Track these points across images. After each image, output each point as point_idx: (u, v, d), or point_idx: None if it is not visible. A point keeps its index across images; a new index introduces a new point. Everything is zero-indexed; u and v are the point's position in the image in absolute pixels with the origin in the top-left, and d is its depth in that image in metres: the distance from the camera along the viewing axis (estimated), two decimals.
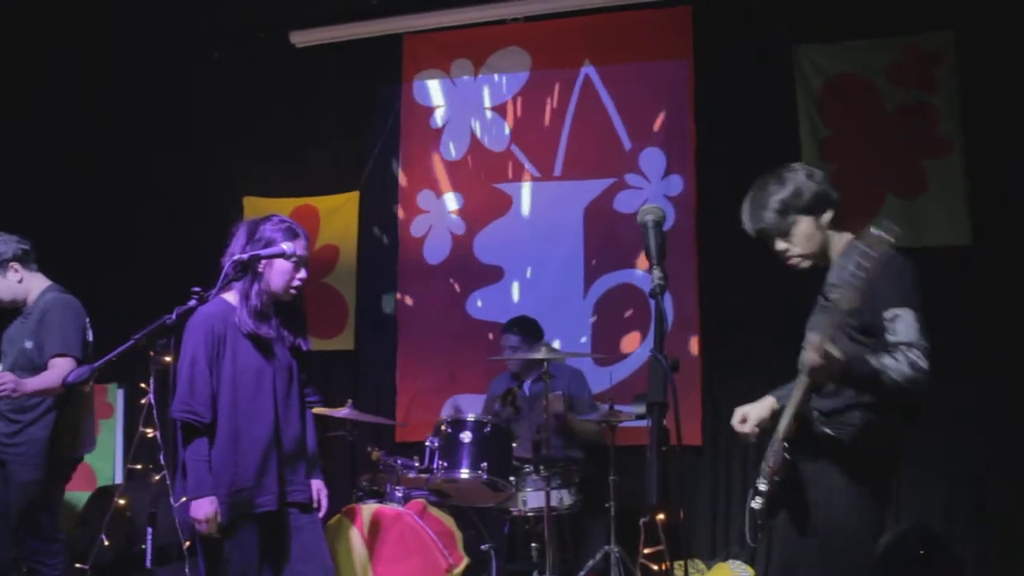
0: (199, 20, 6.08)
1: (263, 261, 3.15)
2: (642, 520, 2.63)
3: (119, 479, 6.05)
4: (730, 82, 5.49)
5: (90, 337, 4.16)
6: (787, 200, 2.77)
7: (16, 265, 4.09)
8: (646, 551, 2.27)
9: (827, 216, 2.83)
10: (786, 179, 2.80)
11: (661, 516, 1.96)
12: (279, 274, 3.19)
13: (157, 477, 2.78)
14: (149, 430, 2.75)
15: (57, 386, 3.83)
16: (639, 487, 5.06)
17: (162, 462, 2.76)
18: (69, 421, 4.07)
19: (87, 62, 6.24)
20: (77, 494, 5.39)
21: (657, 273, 2.20)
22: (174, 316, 2.86)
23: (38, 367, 3.96)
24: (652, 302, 2.21)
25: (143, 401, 2.76)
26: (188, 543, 2.85)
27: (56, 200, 6.03)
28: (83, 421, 4.18)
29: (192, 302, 2.93)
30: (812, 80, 5.34)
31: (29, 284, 4.14)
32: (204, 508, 2.99)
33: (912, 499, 4.87)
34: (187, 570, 2.83)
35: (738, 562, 4.91)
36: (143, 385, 2.76)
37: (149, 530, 2.80)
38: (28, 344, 4.00)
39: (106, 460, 6.04)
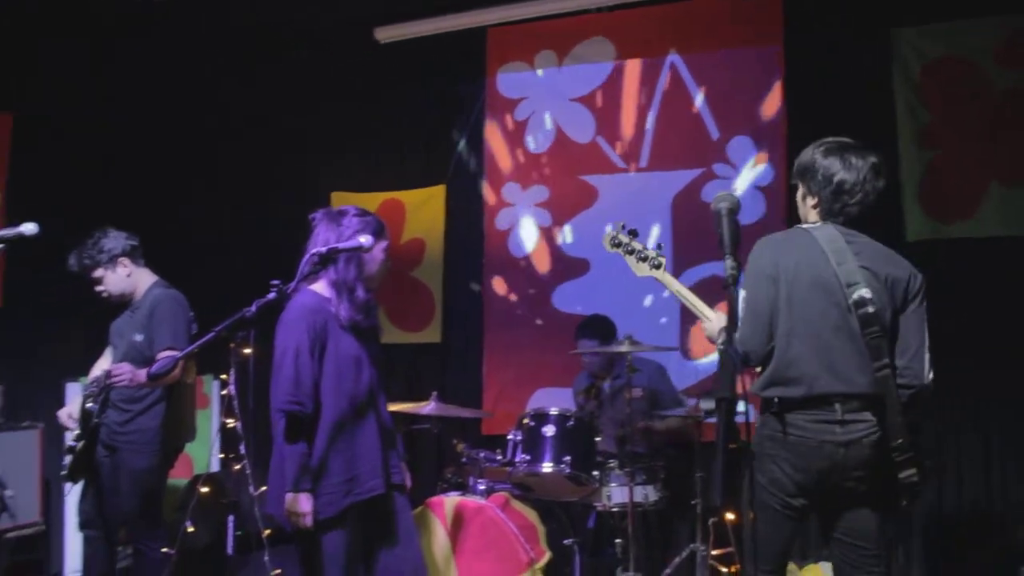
0: (288, 18, 6.19)
1: (364, 255, 3.20)
2: (711, 520, 2.54)
3: (215, 468, 6.24)
4: (823, 67, 5.30)
5: (195, 330, 4.30)
6: None
7: (125, 260, 4.26)
8: (715, 552, 2.19)
9: None
10: None
11: (731, 516, 1.89)
12: (376, 264, 3.26)
13: (237, 467, 2.81)
14: (230, 420, 2.79)
15: (172, 378, 3.99)
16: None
17: (242, 452, 2.80)
18: (175, 412, 4.22)
19: (178, 60, 6.40)
20: (177, 481, 5.58)
21: (730, 262, 2.14)
22: (254, 309, 2.89)
23: (148, 359, 4.10)
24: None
25: (223, 392, 2.80)
26: (267, 532, 2.89)
27: (152, 197, 6.23)
28: (186, 411, 4.33)
29: (271, 295, 2.96)
30: (911, 64, 5.11)
31: (137, 279, 4.30)
32: (302, 503, 3.03)
33: None
34: (265, 558, 2.87)
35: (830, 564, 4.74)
36: (223, 376, 2.80)
37: (230, 518, 2.84)
38: (138, 337, 4.15)
39: (203, 449, 6.22)
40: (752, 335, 2.79)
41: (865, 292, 2.75)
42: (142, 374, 3.96)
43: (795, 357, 2.80)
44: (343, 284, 3.20)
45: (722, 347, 1.97)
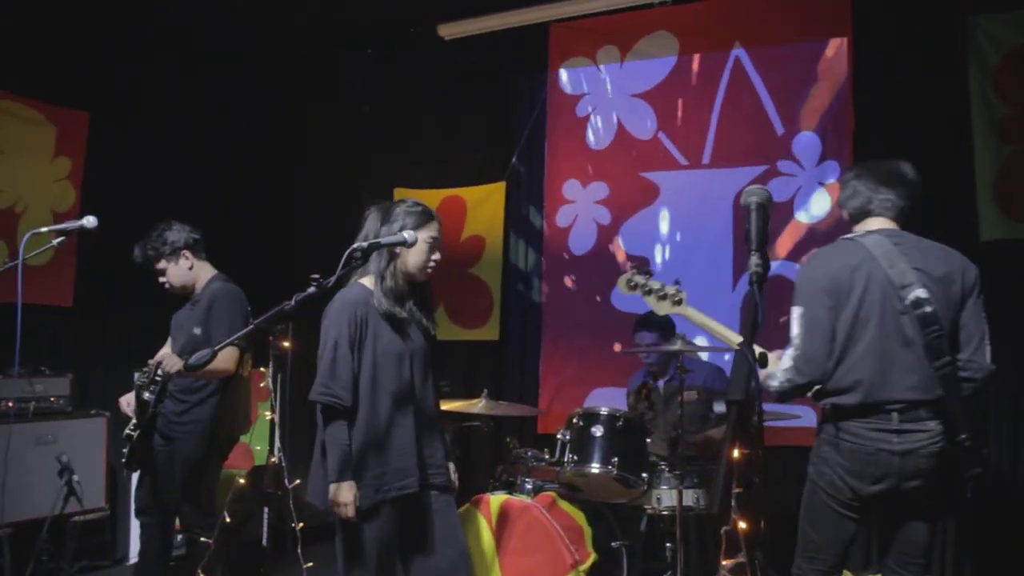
0: (353, 15, 6.24)
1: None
2: (723, 529, 2.47)
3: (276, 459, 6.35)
4: (892, 60, 5.11)
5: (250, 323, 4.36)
6: None
7: (187, 253, 4.35)
8: (725, 563, 2.11)
9: None
10: None
11: (743, 525, 1.81)
12: (416, 254, 3.22)
13: (274, 458, 2.83)
14: (268, 413, 2.80)
15: (226, 370, 4.07)
16: (781, 489, 4.86)
17: (279, 444, 2.81)
18: (229, 403, 4.29)
19: (247, 59, 6.50)
20: (235, 472, 5.68)
21: (755, 260, 2.06)
22: (293, 303, 2.90)
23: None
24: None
25: (262, 385, 2.81)
26: (301, 525, 2.90)
27: (215, 193, 6.35)
28: (241, 404, 4.40)
29: (311, 289, 2.96)
30: (988, 54, 4.87)
31: (198, 272, 4.39)
32: (344, 493, 3.03)
33: None
34: (299, 551, 2.88)
35: None
36: (262, 369, 2.81)
37: (265, 510, 2.86)
38: (196, 331, 4.24)
39: (263, 441, 6.33)
40: (817, 351, 2.81)
41: (921, 292, 2.78)
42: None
43: (852, 365, 2.82)
44: (377, 274, 3.20)
45: (737, 348, 1.89)
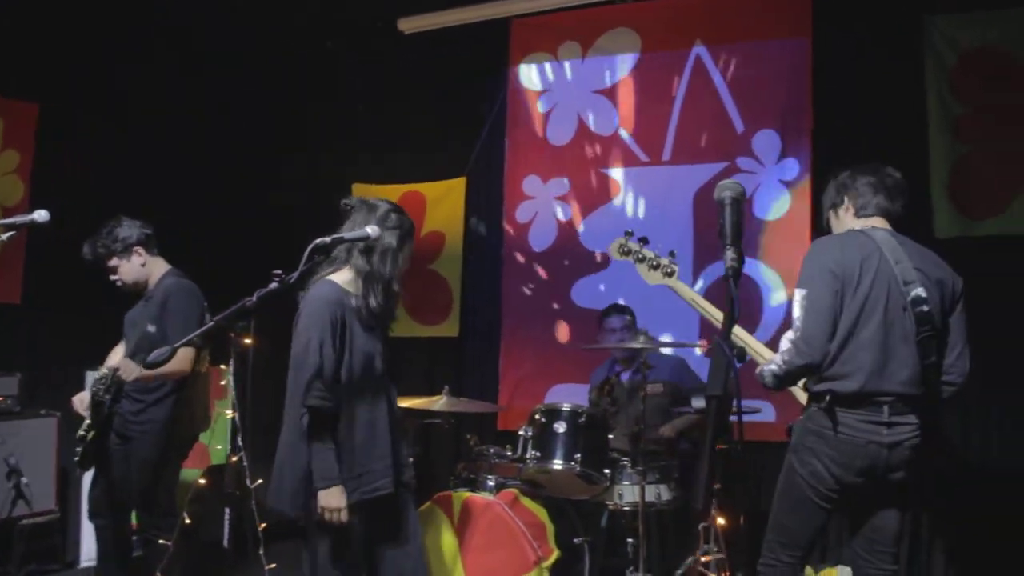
0: (311, 10, 6.15)
1: (405, 248, 3.18)
2: (701, 525, 2.47)
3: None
4: (851, 59, 5.16)
5: (208, 320, 4.27)
6: None
7: (139, 249, 4.24)
8: (703, 559, 2.10)
9: None
10: None
11: (721, 521, 1.81)
12: (407, 260, 3.23)
13: (235, 458, 2.77)
14: (229, 412, 2.74)
15: (180, 372, 4.00)
16: (747, 485, 4.89)
17: (239, 444, 2.75)
18: (187, 402, 4.20)
19: (203, 52, 6.39)
20: (193, 471, 5.57)
21: (731, 254, 2.06)
22: (255, 299, 2.84)
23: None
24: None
25: (222, 383, 2.75)
26: (264, 525, 2.84)
27: (174, 189, 6.23)
28: (199, 402, 4.32)
29: (273, 285, 2.91)
30: (945, 54, 4.94)
31: (151, 268, 4.29)
32: (336, 497, 2.98)
33: None
34: (261, 552, 2.82)
35: (847, 568, 4.63)
36: (223, 366, 2.75)
37: (227, 511, 2.80)
38: (151, 328, 4.14)
39: (221, 440, 6.22)
40: (818, 332, 2.84)
41: (921, 291, 2.85)
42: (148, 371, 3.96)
43: (852, 353, 2.86)
44: (379, 278, 3.14)
45: (715, 342, 1.89)
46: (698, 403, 2.56)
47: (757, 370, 3.00)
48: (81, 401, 4.28)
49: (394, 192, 6.06)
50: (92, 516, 4.24)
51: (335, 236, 3.07)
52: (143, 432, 4.08)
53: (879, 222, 3.08)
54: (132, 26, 6.02)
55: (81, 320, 5.86)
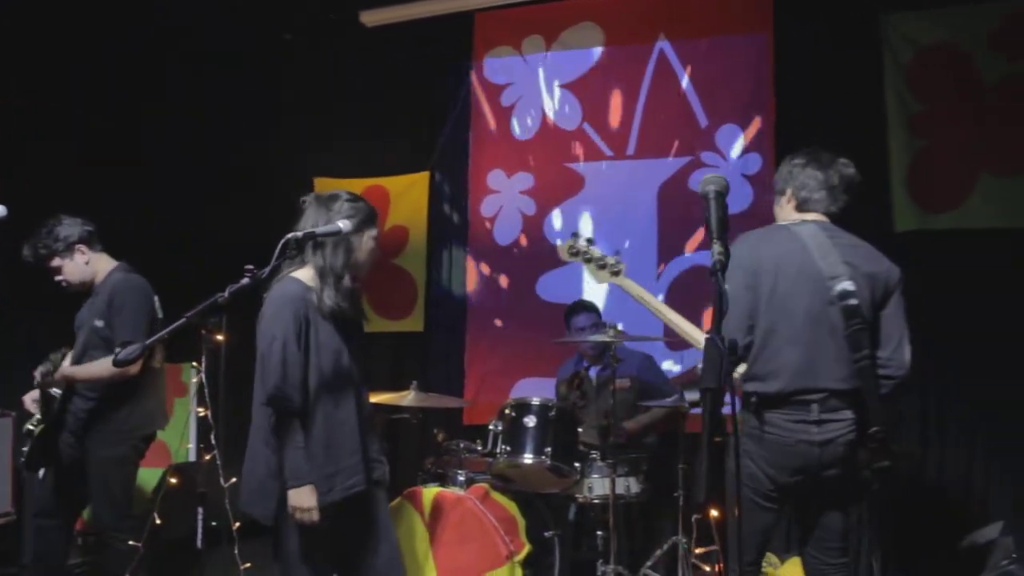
0: (271, 2, 6.07)
1: (353, 239, 3.10)
2: (695, 517, 2.49)
3: (192, 457, 6.15)
4: (811, 56, 5.23)
5: (159, 315, 4.20)
6: None
7: (82, 247, 4.14)
8: (698, 551, 2.13)
9: None
10: None
11: (715, 513, 1.82)
12: (366, 253, 3.16)
13: (208, 456, 2.73)
14: (200, 409, 2.70)
15: (123, 372, 3.88)
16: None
17: (213, 442, 2.71)
18: (144, 398, 4.13)
19: (155, 43, 6.27)
20: (152, 470, 5.48)
21: (718, 248, 2.07)
22: (227, 295, 2.79)
23: (110, 345, 4.02)
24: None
25: (194, 380, 2.71)
26: (238, 524, 2.81)
27: (125, 182, 6.12)
28: (156, 398, 4.24)
29: (245, 280, 2.86)
30: (901, 51, 5.03)
31: (96, 265, 4.19)
32: (306, 497, 2.94)
33: None
34: (236, 552, 2.78)
35: None
36: (195, 364, 2.70)
37: (199, 510, 2.76)
38: (98, 323, 4.04)
39: (180, 438, 6.12)
40: (731, 324, 2.76)
41: (848, 285, 2.81)
42: (78, 371, 3.93)
43: (774, 352, 2.84)
44: (330, 271, 3.08)
45: (707, 336, 1.90)
46: (691, 395, 2.56)
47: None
48: (34, 399, 4.20)
49: (357, 186, 6.00)
50: (39, 515, 4.13)
51: (307, 231, 3.03)
52: (99, 431, 4.01)
53: (815, 217, 3.04)
54: (89, 18, 5.89)
55: (33, 318, 5.72)
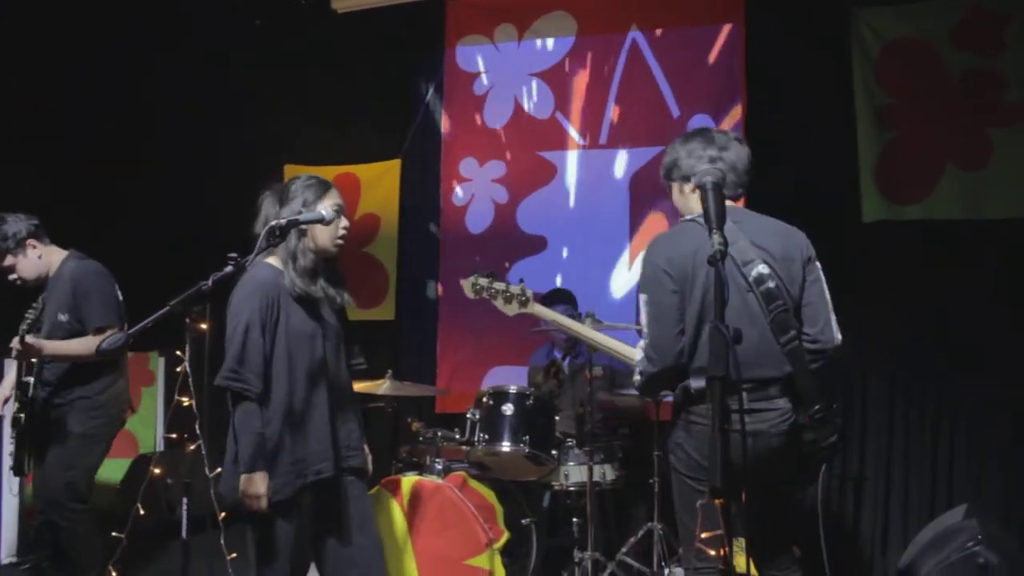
0: None
1: (305, 207, 3.10)
2: (699, 503, 2.49)
3: (160, 447, 6.08)
4: (782, 47, 5.28)
5: (120, 298, 4.15)
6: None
7: (33, 241, 4.10)
8: (703, 535, 2.15)
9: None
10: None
11: (719, 499, 1.83)
12: (324, 228, 3.11)
13: (193, 446, 2.71)
14: (185, 399, 2.68)
15: (90, 354, 3.84)
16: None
17: (198, 431, 2.69)
18: (116, 378, 4.12)
19: (125, 29, 6.17)
20: (118, 461, 5.41)
21: (717, 238, 2.08)
22: (210, 282, 2.77)
23: (77, 336, 3.97)
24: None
25: (178, 369, 2.68)
26: (224, 514, 2.79)
27: (92, 167, 6.02)
28: (123, 380, 4.22)
29: (228, 268, 2.84)
30: (870, 44, 5.09)
31: (49, 258, 4.15)
32: (257, 484, 2.92)
33: None
34: (222, 541, 2.77)
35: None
36: (179, 352, 2.68)
37: (184, 500, 2.74)
38: (62, 317, 3.99)
39: (147, 428, 6.06)
40: (665, 336, 2.71)
41: (763, 268, 2.70)
42: (47, 345, 3.88)
43: (701, 348, 2.70)
44: (288, 253, 3.09)
45: (711, 325, 1.92)
46: (698, 383, 2.54)
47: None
48: (5, 399, 4.12)
49: (328, 173, 5.79)
50: (40, 514, 4.06)
51: (290, 218, 3.02)
52: (70, 403, 3.99)
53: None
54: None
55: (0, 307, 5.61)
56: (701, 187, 2.18)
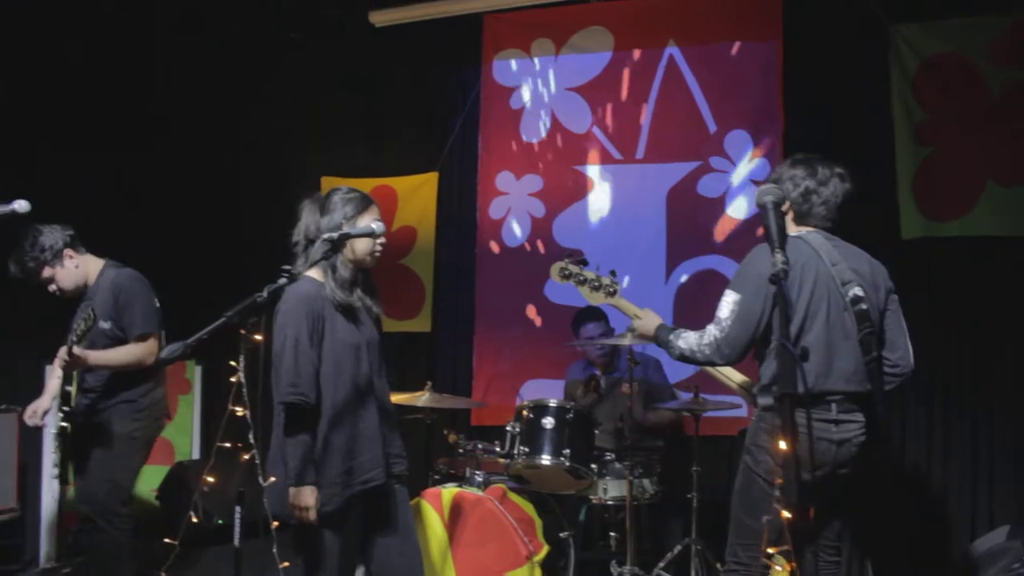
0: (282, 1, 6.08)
1: (344, 223, 3.13)
2: (765, 519, 2.53)
3: (196, 455, 6.14)
4: (820, 63, 5.28)
5: (159, 306, 4.22)
6: None
7: (70, 252, 4.11)
8: (770, 551, 2.18)
9: None
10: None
11: (787, 514, 1.86)
12: (362, 241, 3.16)
13: (246, 456, 2.74)
14: (239, 409, 2.71)
15: (134, 362, 3.94)
16: (721, 478, 5.00)
17: (251, 441, 2.73)
18: (156, 384, 4.17)
19: (163, 42, 6.26)
20: (156, 468, 5.47)
21: (780, 257, 2.11)
22: (265, 294, 2.81)
23: (120, 344, 4.02)
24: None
25: (233, 379, 2.72)
26: (276, 523, 2.83)
27: (136, 181, 6.10)
28: (163, 386, 4.27)
29: (282, 280, 2.89)
30: (908, 61, 5.09)
31: (86, 267, 4.17)
32: (306, 496, 2.97)
33: None
34: (274, 549, 2.81)
35: None
36: (233, 363, 2.72)
37: (238, 508, 2.78)
38: (105, 325, 4.02)
39: (184, 436, 6.12)
40: (742, 339, 2.88)
41: (859, 290, 2.91)
42: (91, 355, 3.91)
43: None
44: (329, 264, 3.13)
45: (778, 343, 1.94)
46: (764, 400, 2.61)
47: (669, 336, 3.07)
48: (35, 413, 4.15)
49: (365, 186, 5.88)
50: (83, 520, 4.09)
51: (342, 232, 3.07)
52: (114, 407, 4.02)
53: (811, 229, 3.06)
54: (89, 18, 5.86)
55: (39, 313, 5.68)
56: (762, 207, 2.20)
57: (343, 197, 3.21)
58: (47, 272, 4.08)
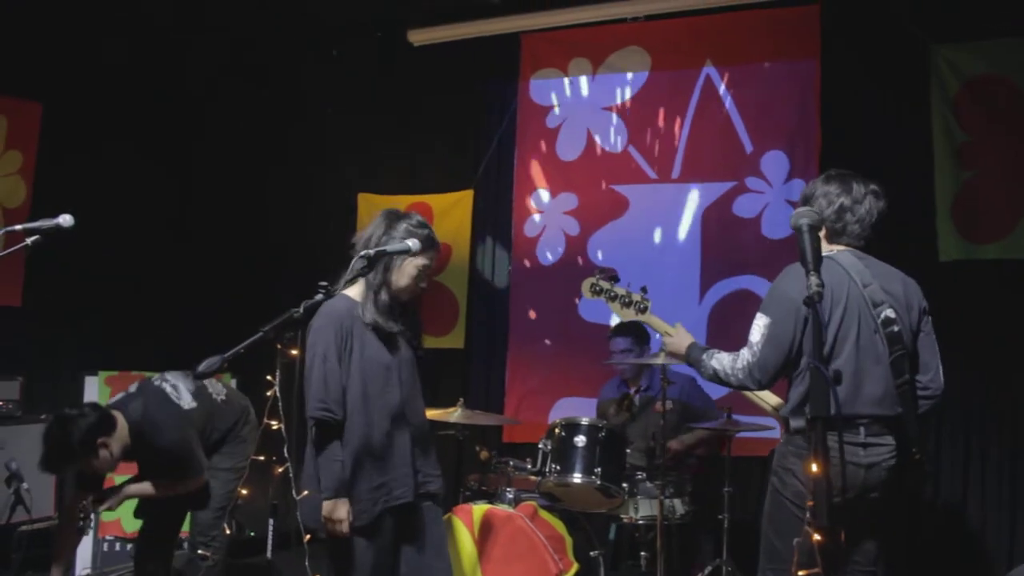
0: (318, 17, 6.16)
1: (395, 259, 3.13)
2: (795, 540, 2.51)
3: None
4: (859, 84, 5.27)
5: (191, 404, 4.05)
6: None
7: (103, 439, 3.71)
8: (800, 574, 2.16)
9: None
10: None
11: (818, 537, 1.85)
12: (405, 276, 3.17)
13: (280, 469, 2.78)
14: (274, 423, 2.75)
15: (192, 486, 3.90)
16: (753, 499, 4.97)
17: (286, 455, 2.76)
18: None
19: (213, 59, 6.38)
20: None
21: (815, 280, 2.10)
22: (301, 310, 2.84)
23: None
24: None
25: (268, 394, 2.75)
26: (308, 536, 2.86)
27: (180, 197, 6.21)
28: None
29: (319, 296, 2.92)
30: (949, 82, 5.05)
31: (120, 438, 3.78)
32: (339, 510, 3.00)
33: None
34: (306, 562, 2.83)
35: None
36: (269, 378, 2.76)
37: (271, 521, 2.81)
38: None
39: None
40: (773, 363, 2.83)
41: (890, 312, 2.84)
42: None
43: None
44: (370, 285, 3.15)
45: (811, 366, 1.93)
46: (797, 423, 2.60)
47: (702, 356, 3.02)
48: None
49: (401, 203, 6.07)
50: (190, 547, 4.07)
51: (379, 249, 3.08)
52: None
53: (843, 247, 3.00)
54: (133, 29, 5.99)
55: (82, 323, 5.81)
56: (797, 229, 2.19)
57: (409, 228, 3.19)
58: (83, 466, 3.77)
